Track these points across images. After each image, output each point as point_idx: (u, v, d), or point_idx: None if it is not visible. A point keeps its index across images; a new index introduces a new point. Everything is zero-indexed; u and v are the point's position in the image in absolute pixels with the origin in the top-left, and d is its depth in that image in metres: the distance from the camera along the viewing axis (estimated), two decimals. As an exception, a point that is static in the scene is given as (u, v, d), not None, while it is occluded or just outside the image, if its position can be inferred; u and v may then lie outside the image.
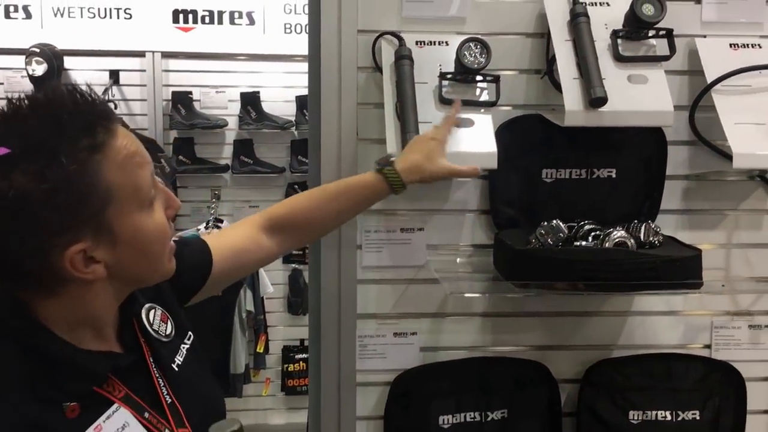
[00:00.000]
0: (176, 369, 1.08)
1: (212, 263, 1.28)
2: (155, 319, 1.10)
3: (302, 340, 4.56)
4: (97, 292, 0.95)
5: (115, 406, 0.94)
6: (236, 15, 4.42)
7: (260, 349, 4.34)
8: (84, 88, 0.91)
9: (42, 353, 0.90)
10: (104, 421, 0.91)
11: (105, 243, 0.91)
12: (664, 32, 1.59)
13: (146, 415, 0.97)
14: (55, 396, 0.88)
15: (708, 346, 1.82)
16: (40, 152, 0.83)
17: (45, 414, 0.87)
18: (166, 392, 1.03)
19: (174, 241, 1.07)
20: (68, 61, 4.27)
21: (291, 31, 4.46)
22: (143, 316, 1.08)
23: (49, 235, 0.85)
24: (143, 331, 1.06)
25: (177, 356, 1.10)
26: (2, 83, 4.22)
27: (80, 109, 0.88)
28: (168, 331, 1.11)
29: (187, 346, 1.14)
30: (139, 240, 0.94)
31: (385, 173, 1.42)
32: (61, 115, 0.86)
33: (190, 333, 1.17)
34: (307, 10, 1.87)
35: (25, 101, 0.86)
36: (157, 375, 1.03)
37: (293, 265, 4.54)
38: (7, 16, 4.26)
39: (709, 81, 1.64)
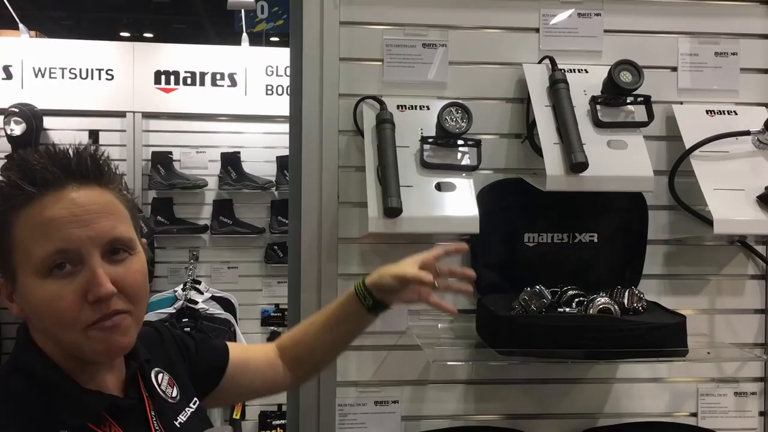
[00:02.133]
0: (178, 426, 1.12)
1: (228, 363, 1.31)
2: (163, 382, 1.14)
3: (280, 406, 4.43)
4: (45, 335, 1.00)
5: None
6: (218, 76, 4.46)
7: (236, 415, 4.21)
8: (67, 148, 0.99)
9: (45, 384, 0.98)
10: None
11: (12, 287, 0.99)
12: (642, 98, 1.61)
13: None
14: (54, 424, 0.94)
15: (695, 414, 1.79)
16: None
17: None
18: None
19: (190, 333, 1.26)
20: (48, 121, 4.26)
21: (272, 93, 4.50)
22: (152, 376, 1.13)
23: None
24: (149, 388, 1.10)
25: (180, 415, 1.14)
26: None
27: (30, 169, 0.96)
28: (174, 394, 1.15)
29: (192, 409, 1.18)
30: (30, 300, 0.97)
31: (354, 283, 1.36)
32: (16, 170, 0.96)
33: (196, 399, 1.21)
34: (288, 73, 1.88)
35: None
36: (156, 428, 1.06)
37: (272, 328, 4.45)
38: (-13, 76, 4.27)
39: (687, 147, 1.66)
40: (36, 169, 0.96)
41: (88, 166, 0.99)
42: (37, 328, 1.01)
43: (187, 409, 1.16)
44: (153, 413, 1.07)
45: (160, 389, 1.12)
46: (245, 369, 1.34)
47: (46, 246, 0.94)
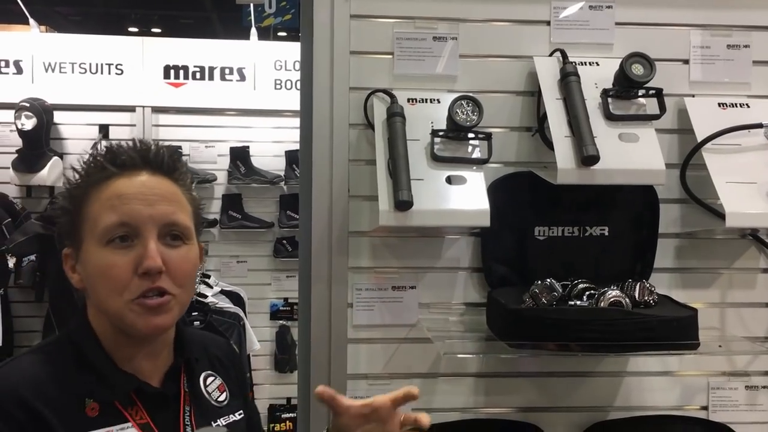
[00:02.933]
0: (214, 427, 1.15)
1: None
2: (211, 385, 1.19)
3: (289, 399, 4.46)
4: (96, 310, 1.08)
5: (129, 424, 1.04)
6: (227, 71, 4.47)
7: (245, 408, 4.23)
8: (150, 143, 1.11)
9: (85, 356, 1.06)
10: (116, 431, 1.03)
11: (77, 256, 1.07)
12: (653, 91, 1.61)
13: None
14: (83, 393, 1.02)
15: (705, 408, 1.79)
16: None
17: (67, 404, 1.00)
18: None
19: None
20: (58, 116, 4.27)
21: (281, 87, 4.49)
22: (201, 377, 1.18)
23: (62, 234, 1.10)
24: (192, 384, 1.15)
25: (221, 420, 1.17)
26: (-9, 137, 4.22)
27: (115, 153, 1.08)
28: (221, 399, 1.19)
29: (236, 418, 1.20)
30: (88, 267, 1.06)
31: None
32: (106, 155, 1.08)
33: (242, 411, 1.23)
34: (297, 67, 1.88)
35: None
36: (187, 422, 1.10)
37: (281, 322, 4.47)
38: (-2, 71, 4.29)
39: (699, 140, 1.65)
40: (119, 154, 1.08)
41: (164, 159, 1.09)
42: (91, 300, 1.09)
43: (230, 415, 1.19)
44: (187, 408, 1.11)
45: (206, 390, 1.17)
46: None
47: (112, 217, 1.04)
